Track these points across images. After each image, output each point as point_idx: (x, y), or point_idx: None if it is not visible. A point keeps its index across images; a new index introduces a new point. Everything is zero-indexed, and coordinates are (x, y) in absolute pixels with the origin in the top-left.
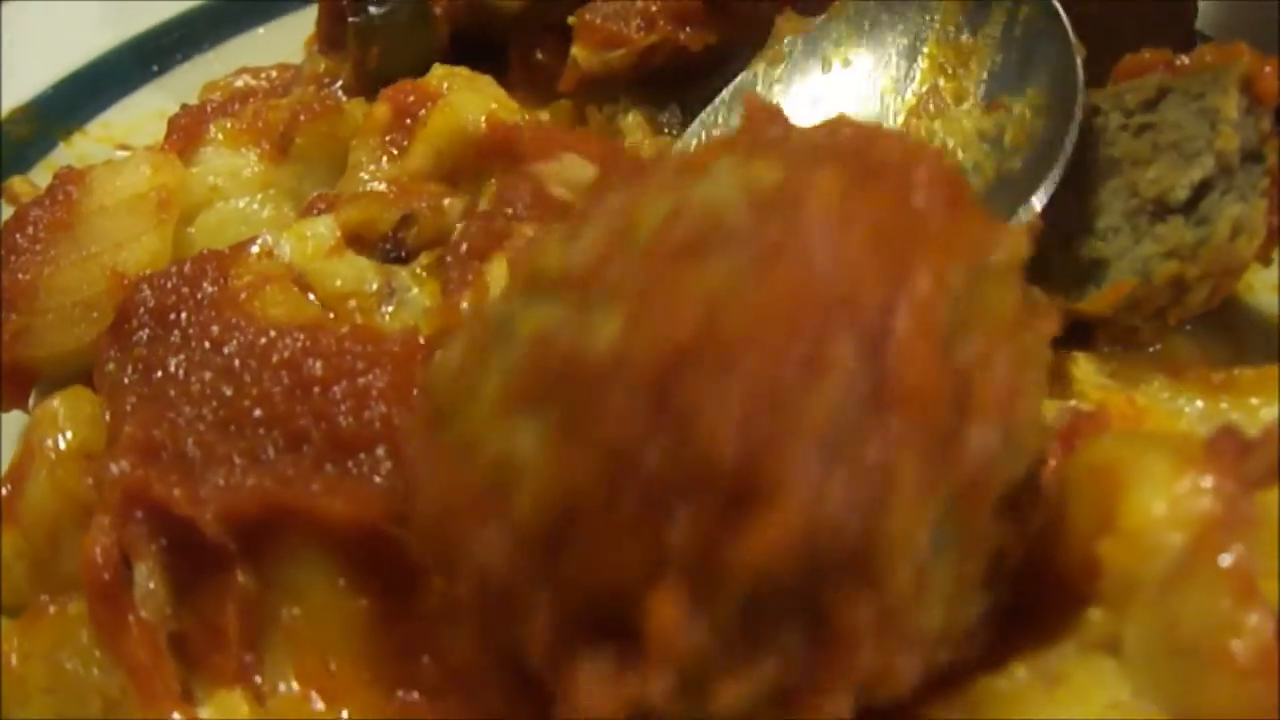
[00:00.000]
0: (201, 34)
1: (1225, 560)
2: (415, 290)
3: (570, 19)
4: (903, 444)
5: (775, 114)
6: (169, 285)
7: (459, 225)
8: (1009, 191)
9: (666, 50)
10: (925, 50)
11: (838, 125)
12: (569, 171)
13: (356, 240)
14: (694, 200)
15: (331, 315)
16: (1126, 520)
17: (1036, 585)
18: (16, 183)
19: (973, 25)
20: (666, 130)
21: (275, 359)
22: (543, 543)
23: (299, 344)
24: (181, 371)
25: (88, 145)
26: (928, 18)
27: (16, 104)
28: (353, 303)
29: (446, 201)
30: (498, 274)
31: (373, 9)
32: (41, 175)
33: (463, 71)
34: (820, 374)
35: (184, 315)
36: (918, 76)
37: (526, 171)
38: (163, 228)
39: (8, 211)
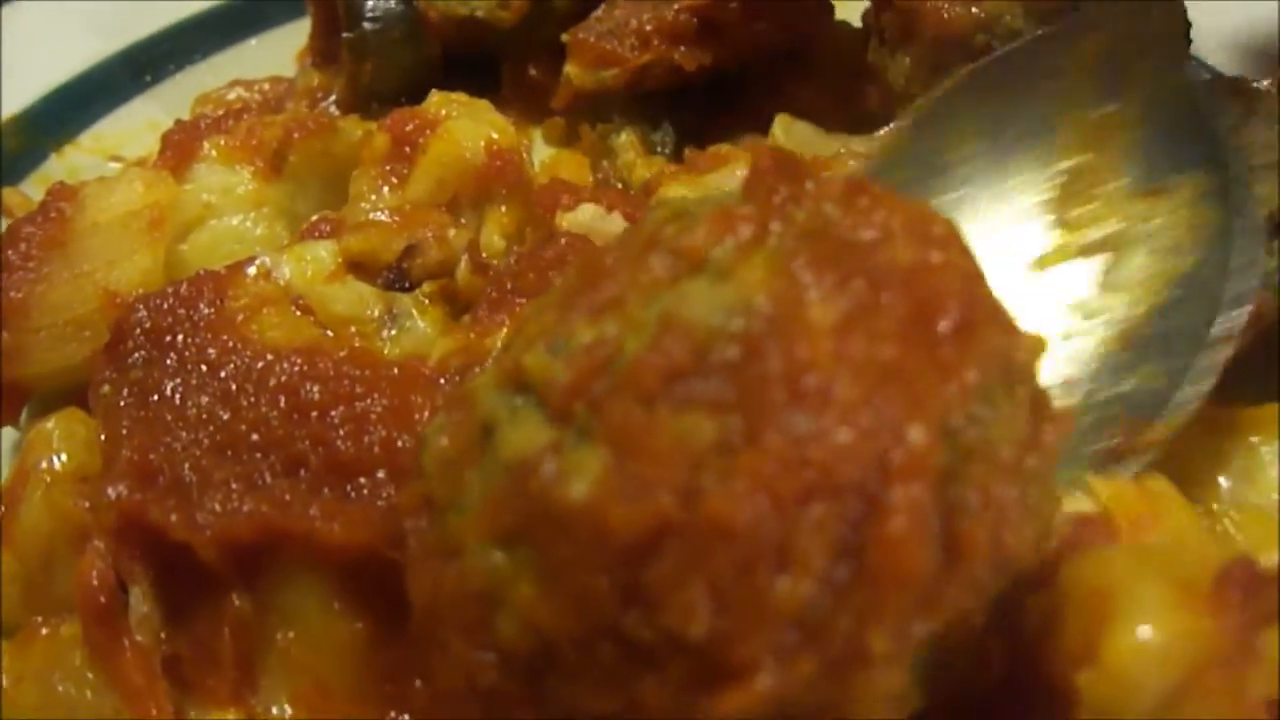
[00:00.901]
0: (193, 45)
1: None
2: (417, 317)
3: (564, 36)
4: (877, 619)
5: (785, 169)
6: (165, 306)
7: (464, 258)
8: (1186, 311)
9: (661, 70)
10: (1058, 131)
11: (854, 195)
12: (589, 221)
13: (357, 268)
14: (681, 320)
15: (331, 335)
16: (1108, 655)
17: (1022, 695)
18: (8, 195)
19: (1110, 95)
20: (659, 150)
21: (272, 382)
22: (526, 666)
23: (296, 368)
24: (178, 395)
25: (80, 157)
26: (1056, 86)
27: (8, 115)
28: (353, 327)
29: (451, 232)
30: None
31: (366, 25)
32: (34, 187)
33: (460, 97)
34: (796, 566)
35: (180, 338)
36: (1056, 163)
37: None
38: (155, 247)
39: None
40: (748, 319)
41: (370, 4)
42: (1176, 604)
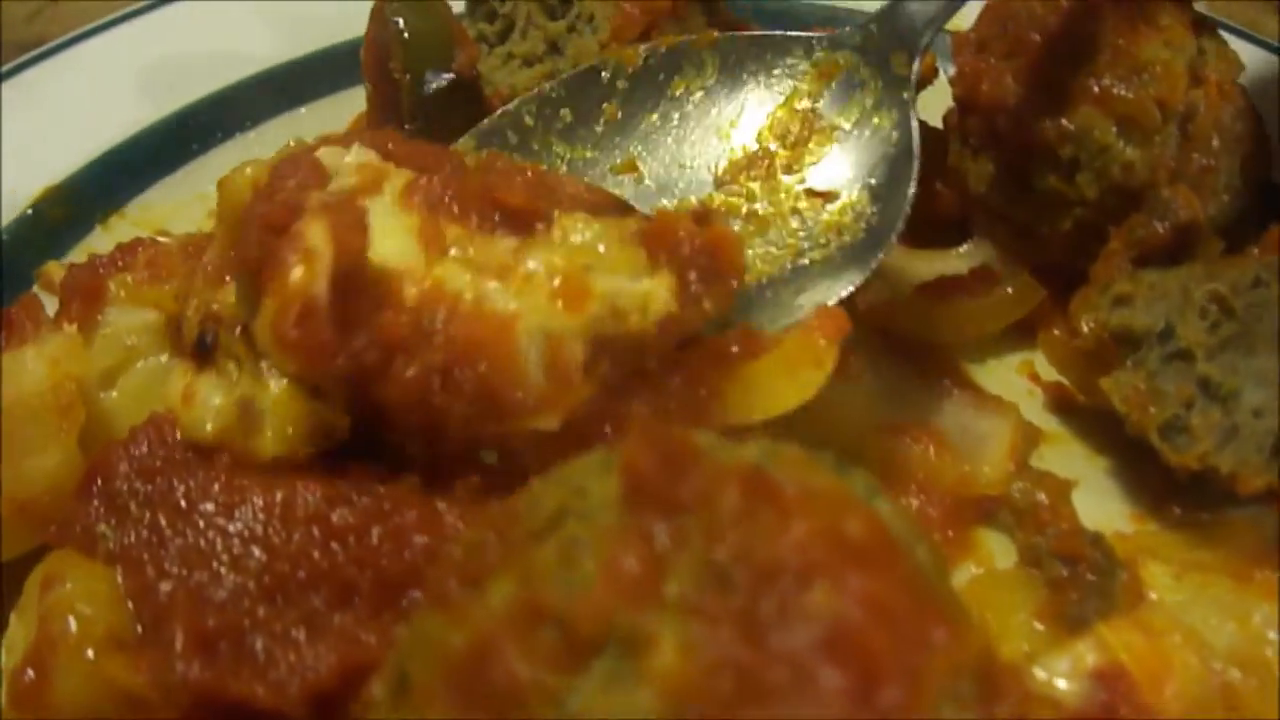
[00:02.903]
0: (242, 112)
1: None
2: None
3: None
4: None
5: (669, 465)
6: (143, 451)
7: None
8: (801, 281)
9: None
10: (775, 113)
11: (755, 501)
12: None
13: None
14: None
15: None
16: None
17: None
18: (52, 269)
19: (830, 106)
20: None
21: (300, 514)
22: None
23: (317, 496)
24: (203, 541)
25: (126, 229)
26: (790, 83)
27: (50, 183)
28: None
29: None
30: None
31: (430, 116)
32: (79, 260)
33: None
34: None
35: (174, 481)
36: (756, 134)
37: None
38: (66, 437)
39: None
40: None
41: (434, 94)
42: None
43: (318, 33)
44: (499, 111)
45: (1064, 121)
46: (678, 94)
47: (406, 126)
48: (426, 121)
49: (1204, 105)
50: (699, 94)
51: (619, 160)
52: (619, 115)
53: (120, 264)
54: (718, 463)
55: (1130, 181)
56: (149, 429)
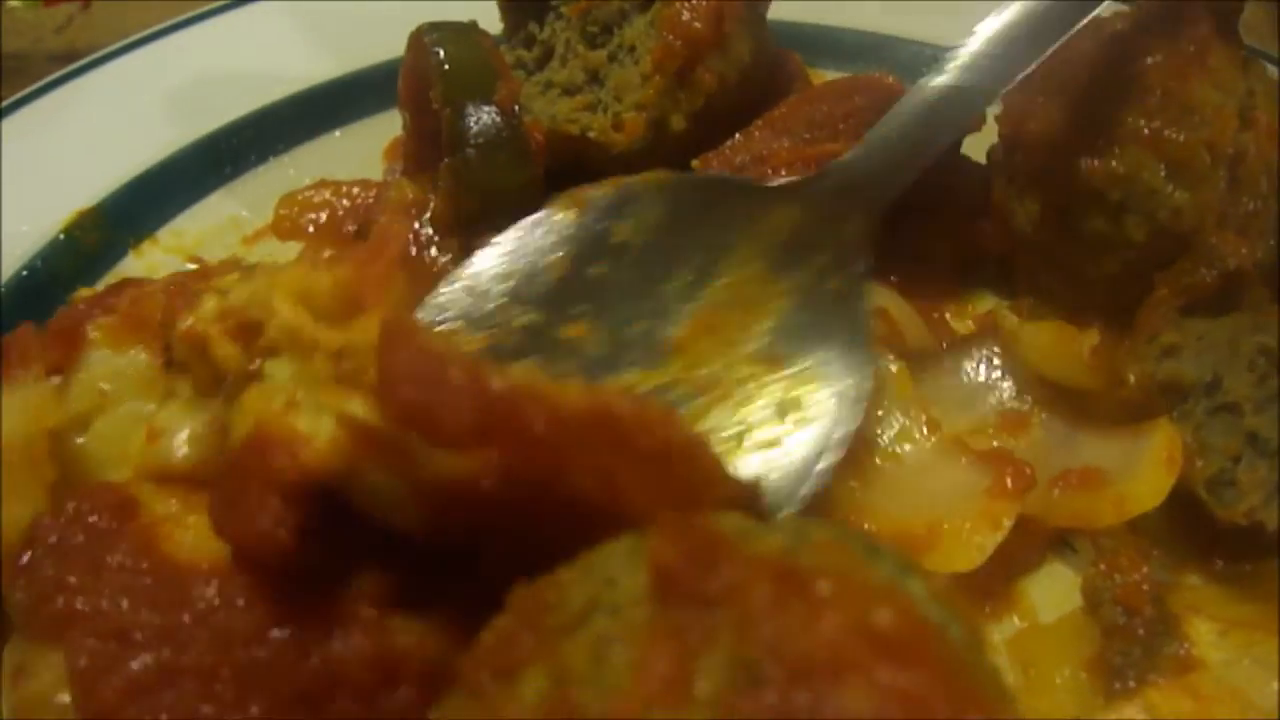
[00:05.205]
0: (275, 135)
1: None
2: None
3: (694, 162)
4: None
5: (698, 555)
6: (68, 521)
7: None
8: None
9: None
10: (722, 268)
11: (785, 593)
12: None
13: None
14: None
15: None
16: None
17: None
18: (85, 297)
19: (780, 267)
20: None
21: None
22: None
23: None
24: (139, 634)
25: (158, 256)
26: (738, 235)
27: (83, 206)
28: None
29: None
30: None
31: (470, 151)
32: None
33: None
34: None
35: (109, 557)
36: (706, 295)
37: None
38: (36, 491)
39: None
40: None
41: (475, 128)
42: None
43: (353, 54)
44: (450, 277)
45: (1113, 163)
46: (620, 240)
47: (447, 161)
48: (466, 155)
49: (1253, 148)
50: (641, 247)
51: (568, 323)
52: (568, 269)
53: (103, 305)
54: (747, 554)
55: (1178, 225)
56: (81, 500)
